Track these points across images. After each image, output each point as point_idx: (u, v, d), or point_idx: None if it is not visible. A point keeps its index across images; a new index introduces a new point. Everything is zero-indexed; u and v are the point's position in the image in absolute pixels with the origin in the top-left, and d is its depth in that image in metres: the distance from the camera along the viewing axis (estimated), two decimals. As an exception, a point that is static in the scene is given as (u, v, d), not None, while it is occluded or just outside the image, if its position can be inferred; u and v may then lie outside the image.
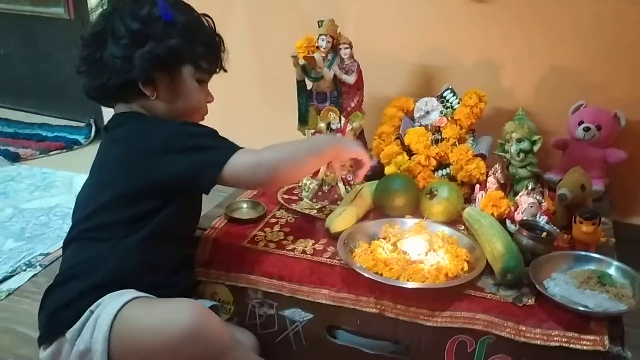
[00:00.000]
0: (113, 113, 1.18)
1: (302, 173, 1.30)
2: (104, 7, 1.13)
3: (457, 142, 1.50)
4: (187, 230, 1.22)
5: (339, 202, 1.40)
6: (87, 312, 1.01)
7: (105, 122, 1.22)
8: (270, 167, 1.08)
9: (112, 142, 1.16)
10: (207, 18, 1.18)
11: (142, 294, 1.03)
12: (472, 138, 1.54)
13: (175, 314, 0.97)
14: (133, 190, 1.08)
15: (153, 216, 1.09)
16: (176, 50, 1.11)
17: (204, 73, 1.18)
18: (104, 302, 1.00)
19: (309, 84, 1.57)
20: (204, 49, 1.15)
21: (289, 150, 1.14)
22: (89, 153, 2.51)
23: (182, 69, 1.13)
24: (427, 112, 1.54)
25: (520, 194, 1.32)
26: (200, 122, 1.19)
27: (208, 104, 1.22)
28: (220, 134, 1.13)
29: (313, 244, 1.28)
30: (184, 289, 1.15)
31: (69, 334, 1.01)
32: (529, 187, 1.31)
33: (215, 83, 1.23)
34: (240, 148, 1.09)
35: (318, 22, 1.52)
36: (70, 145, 2.59)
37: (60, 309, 1.04)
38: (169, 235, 1.12)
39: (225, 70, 1.22)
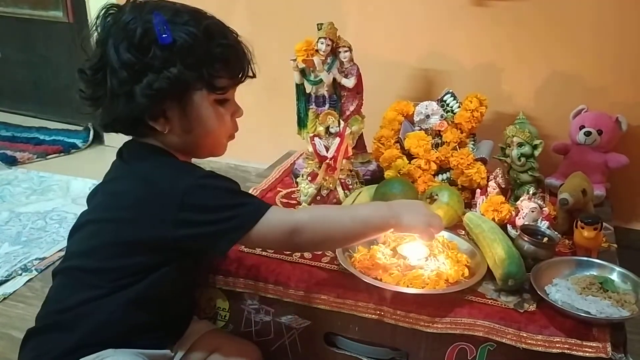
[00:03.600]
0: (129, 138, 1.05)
1: (346, 241, 1.10)
2: (99, 29, 0.97)
3: (457, 146, 1.49)
4: (184, 292, 1.10)
5: (337, 207, 1.38)
6: None
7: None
8: (309, 231, 0.98)
9: (131, 177, 1.01)
10: (217, 21, 1.00)
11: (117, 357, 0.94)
12: (472, 142, 1.53)
13: None
14: (135, 240, 0.96)
15: (149, 272, 0.97)
16: (180, 79, 0.94)
17: (223, 91, 1.00)
18: None
19: (308, 88, 1.56)
20: (218, 64, 0.97)
21: (329, 215, 1.02)
22: (86, 157, 2.53)
23: (193, 96, 0.97)
24: (428, 116, 1.53)
25: (521, 198, 1.31)
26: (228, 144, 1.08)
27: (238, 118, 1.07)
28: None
29: (311, 249, 1.26)
30: (160, 346, 1.04)
31: None
32: (530, 192, 1.30)
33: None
34: (270, 206, 0.97)
35: (317, 25, 1.51)
36: (67, 149, 2.58)
37: None
38: (163, 295, 1.01)
39: (253, 76, 1.05)
